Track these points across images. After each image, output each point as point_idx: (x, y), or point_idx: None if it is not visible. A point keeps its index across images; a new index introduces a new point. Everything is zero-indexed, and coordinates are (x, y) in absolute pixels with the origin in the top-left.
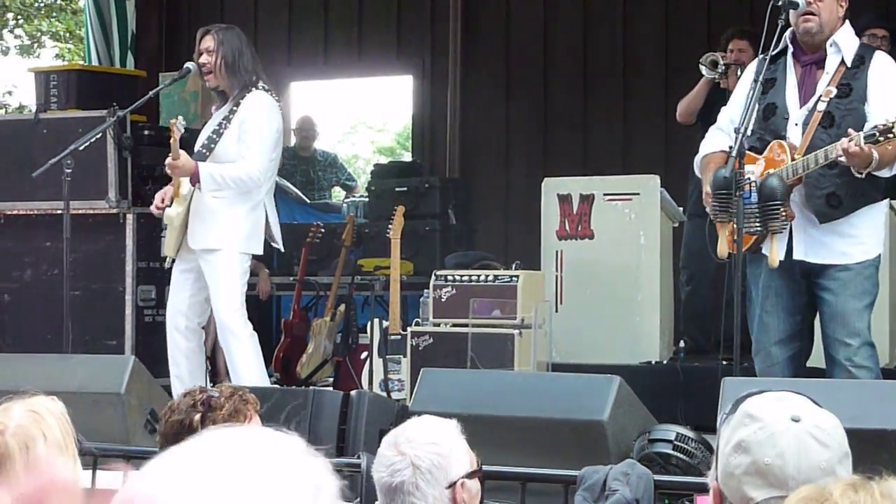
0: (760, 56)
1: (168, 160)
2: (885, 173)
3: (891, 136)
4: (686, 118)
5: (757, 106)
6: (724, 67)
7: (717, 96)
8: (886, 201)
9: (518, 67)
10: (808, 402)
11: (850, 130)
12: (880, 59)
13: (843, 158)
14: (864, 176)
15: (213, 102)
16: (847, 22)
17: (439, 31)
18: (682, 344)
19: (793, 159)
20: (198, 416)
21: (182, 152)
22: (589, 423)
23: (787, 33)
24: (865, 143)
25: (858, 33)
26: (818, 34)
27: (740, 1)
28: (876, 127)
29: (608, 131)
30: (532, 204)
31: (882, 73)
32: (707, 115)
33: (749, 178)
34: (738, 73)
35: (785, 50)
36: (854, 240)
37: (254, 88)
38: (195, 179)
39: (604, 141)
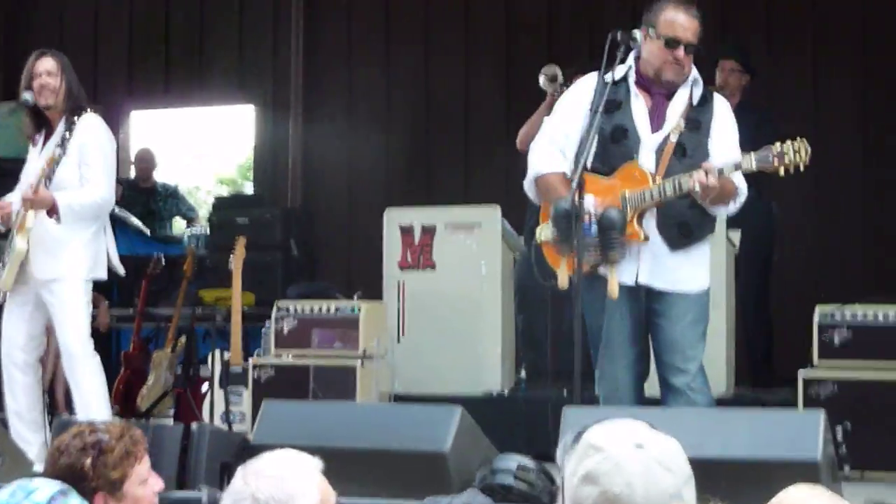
0: (598, 74)
1: (26, 192)
2: (721, 210)
3: (787, 160)
4: (527, 146)
5: (597, 134)
6: (563, 80)
7: None
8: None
9: (361, 97)
10: (649, 428)
11: (709, 163)
12: (720, 100)
13: (697, 189)
14: (706, 200)
15: (30, 131)
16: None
17: (282, 61)
18: (522, 374)
19: (654, 184)
20: (89, 461)
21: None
22: (431, 455)
23: (632, 60)
24: (756, 165)
25: (714, 63)
26: (680, 83)
27: (579, 40)
28: (768, 149)
29: (450, 162)
30: (375, 234)
31: (724, 114)
32: None
33: (589, 210)
34: None
35: (626, 76)
36: (696, 269)
37: (84, 112)
38: (53, 211)
39: (446, 171)
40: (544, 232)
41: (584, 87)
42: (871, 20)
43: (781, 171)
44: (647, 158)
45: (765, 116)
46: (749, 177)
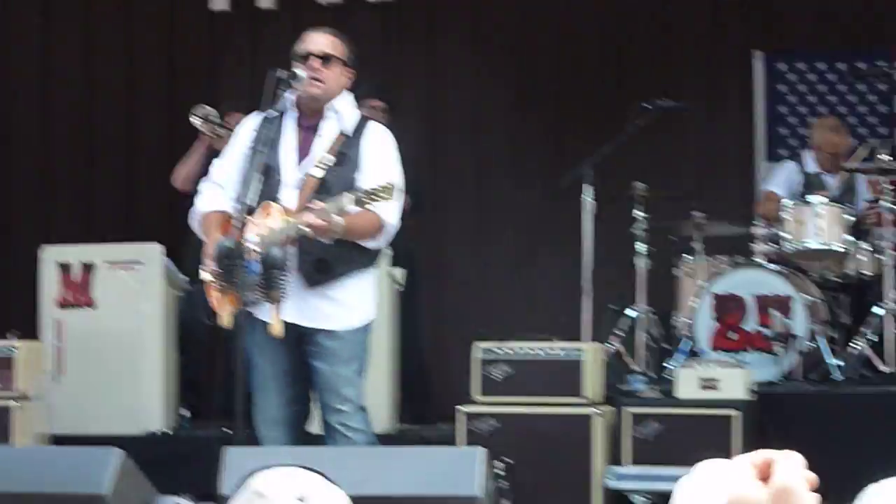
0: (260, 115)
1: None
2: (370, 244)
3: (375, 197)
4: (185, 185)
5: (257, 173)
6: (216, 121)
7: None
8: (377, 269)
9: (16, 129)
10: (319, 480)
11: (315, 202)
12: (376, 129)
13: (307, 229)
14: (327, 240)
15: None
16: (345, 92)
17: None
18: (185, 412)
19: (287, 223)
20: None
21: None
22: (88, 497)
23: (289, 94)
24: (350, 203)
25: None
26: (322, 100)
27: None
28: (362, 190)
29: (112, 198)
30: (31, 271)
31: (375, 143)
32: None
33: (252, 248)
34: None
35: (285, 111)
36: (343, 306)
37: None
38: None
39: (108, 208)
40: (206, 272)
41: (248, 126)
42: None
43: (372, 207)
44: (288, 195)
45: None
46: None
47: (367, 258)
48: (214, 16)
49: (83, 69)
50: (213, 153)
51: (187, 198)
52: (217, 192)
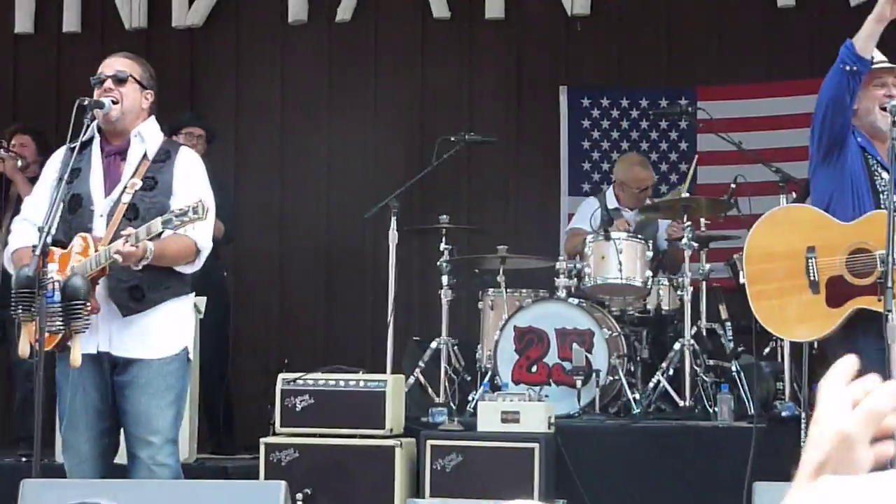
0: (67, 146)
1: None
2: (186, 269)
3: (186, 218)
4: None
5: (62, 203)
6: (2, 151)
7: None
8: (191, 295)
9: None
10: None
11: (129, 229)
12: (186, 154)
13: (117, 257)
14: (140, 268)
15: None
16: (153, 117)
17: None
18: None
19: (96, 251)
20: None
21: None
22: None
23: (95, 122)
24: (163, 226)
25: (175, 131)
26: (118, 121)
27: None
28: (173, 211)
29: None
30: None
31: (187, 167)
32: None
33: (52, 277)
34: (19, 163)
35: (92, 140)
36: (158, 334)
37: None
38: None
39: None
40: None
41: (55, 159)
42: (336, 92)
43: (183, 231)
44: (99, 224)
45: (221, 185)
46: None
47: (181, 284)
48: (18, 38)
49: None
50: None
51: None
52: (27, 227)
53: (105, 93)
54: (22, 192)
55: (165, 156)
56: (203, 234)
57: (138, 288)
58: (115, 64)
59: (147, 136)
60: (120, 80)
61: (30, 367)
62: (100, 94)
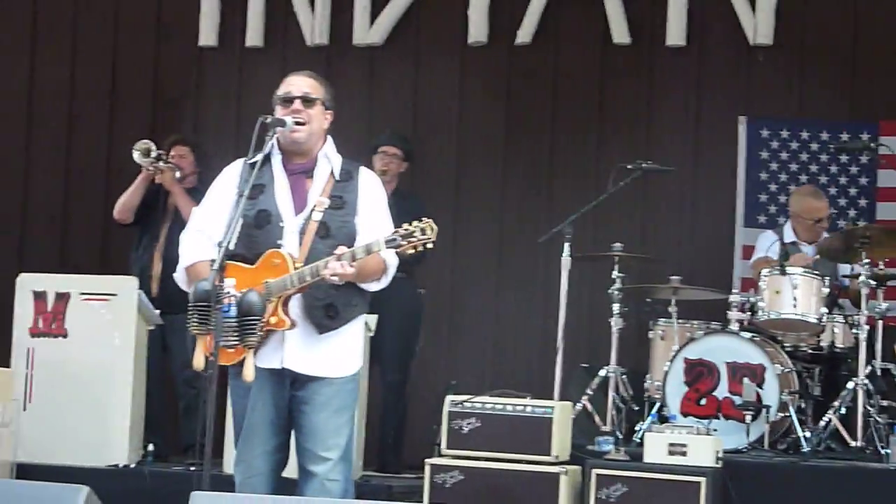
0: (244, 160)
1: None
2: (373, 287)
3: (413, 240)
4: (123, 215)
5: (243, 215)
6: (157, 156)
7: (152, 197)
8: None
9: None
10: None
11: (342, 249)
12: (367, 174)
13: (334, 278)
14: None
15: None
16: (330, 136)
17: None
18: (150, 447)
19: (295, 268)
20: None
21: None
22: None
23: (274, 139)
24: (387, 247)
25: (374, 150)
26: (305, 143)
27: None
28: (396, 232)
29: (87, 229)
30: (5, 299)
31: (371, 188)
32: (145, 215)
33: (229, 293)
34: (177, 174)
35: (269, 156)
36: (343, 353)
37: None
38: None
39: (82, 238)
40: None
41: (232, 172)
42: (513, 116)
43: (410, 251)
44: (290, 241)
45: (418, 204)
46: (402, 261)
47: (364, 302)
48: (202, 51)
49: (66, 100)
50: (155, 186)
51: (125, 227)
52: (200, 240)
53: (293, 113)
54: (179, 203)
55: (348, 176)
56: (392, 253)
57: (333, 306)
58: (302, 85)
59: (332, 157)
60: (307, 101)
61: (191, 375)
62: (284, 113)
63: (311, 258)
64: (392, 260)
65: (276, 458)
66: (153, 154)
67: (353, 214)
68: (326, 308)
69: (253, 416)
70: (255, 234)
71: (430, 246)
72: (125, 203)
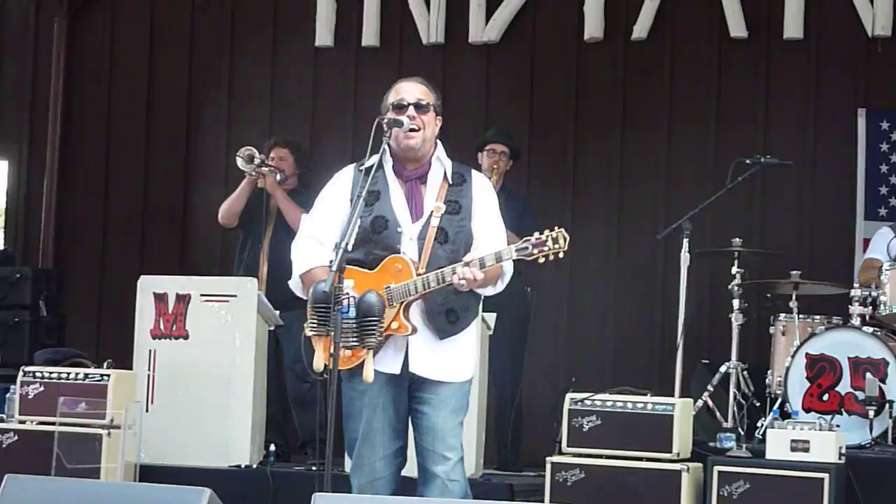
0: (355, 167)
1: None
2: (489, 291)
3: (546, 249)
4: (228, 220)
5: (360, 220)
6: (260, 162)
7: (256, 200)
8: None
9: (117, 159)
10: None
11: (471, 256)
12: (479, 178)
13: (462, 283)
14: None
15: None
16: (439, 141)
17: (38, 118)
18: (272, 447)
19: (418, 274)
20: None
21: None
22: None
23: (386, 146)
24: (517, 254)
25: (480, 148)
26: (420, 149)
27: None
28: (528, 241)
29: (207, 229)
30: (127, 300)
31: (485, 192)
32: (249, 218)
33: (348, 294)
34: (278, 177)
35: (381, 163)
36: (461, 356)
37: None
38: None
39: (202, 240)
40: (309, 328)
41: (344, 179)
42: (630, 112)
43: (541, 259)
44: (409, 247)
45: (526, 205)
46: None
47: (479, 306)
48: (318, 51)
49: (185, 100)
50: (259, 191)
51: (230, 231)
52: (314, 246)
53: (408, 119)
54: (282, 206)
55: (461, 179)
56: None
57: (453, 311)
58: (415, 91)
59: (444, 161)
60: (420, 108)
61: (301, 369)
62: (397, 115)
63: (431, 264)
64: (508, 266)
65: (397, 462)
66: (256, 160)
67: (469, 219)
68: (448, 313)
69: (373, 420)
70: (373, 240)
71: (560, 255)
72: (229, 208)
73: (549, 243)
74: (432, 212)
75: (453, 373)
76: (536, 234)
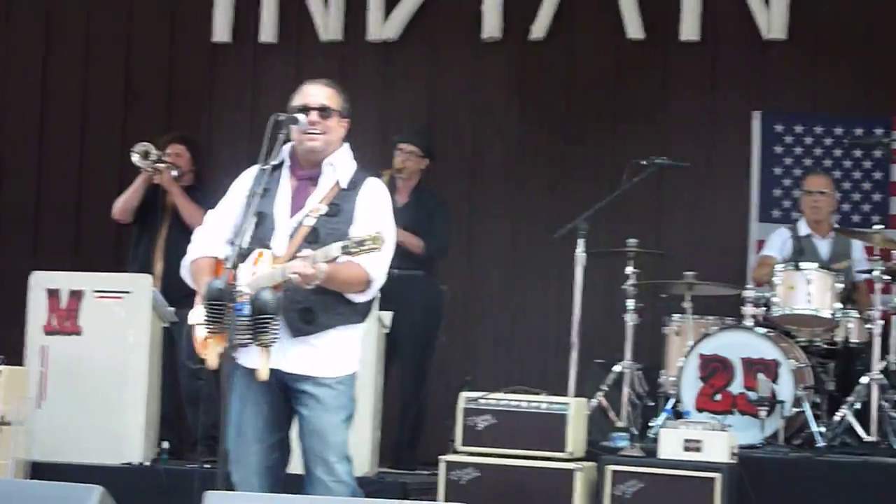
0: (259, 166)
1: None
2: (357, 297)
3: (363, 247)
4: (123, 216)
5: (253, 217)
6: (156, 158)
7: (151, 196)
8: (364, 325)
9: (10, 154)
10: None
11: (307, 250)
12: (372, 184)
13: (294, 276)
14: (311, 287)
15: None
16: (346, 144)
17: None
18: (165, 445)
19: (272, 268)
20: None
21: None
22: None
23: (287, 146)
24: (341, 252)
25: (394, 147)
26: (321, 153)
27: None
28: (351, 238)
29: (101, 224)
30: (19, 296)
31: (371, 198)
32: (144, 215)
33: (243, 291)
34: (174, 173)
35: (282, 163)
36: (335, 354)
37: None
38: None
39: (96, 235)
40: (195, 314)
41: (246, 177)
42: (527, 111)
43: (358, 259)
44: (279, 243)
45: (439, 206)
46: (420, 259)
47: (354, 313)
48: (216, 47)
49: (80, 96)
50: (154, 187)
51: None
52: (209, 239)
53: (310, 125)
54: (177, 202)
55: (353, 185)
56: (376, 265)
57: (310, 311)
58: (319, 95)
59: (339, 165)
60: (324, 112)
61: (195, 367)
62: (308, 125)
63: (293, 260)
64: (376, 273)
65: (274, 457)
66: (152, 156)
67: (348, 223)
68: (303, 312)
69: (244, 414)
70: (253, 236)
71: (380, 252)
72: (125, 204)
73: (369, 243)
74: (309, 211)
75: (325, 369)
76: (357, 235)
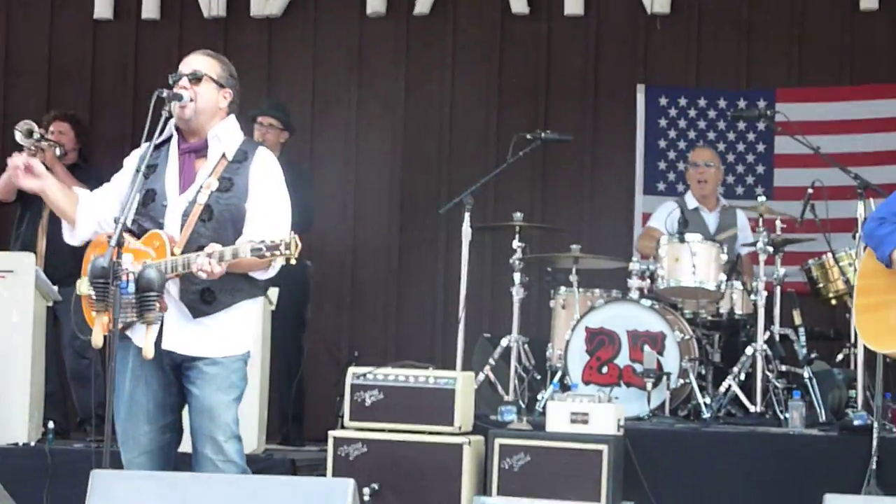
0: (145, 143)
1: None
2: (260, 275)
3: (277, 252)
4: (5, 195)
5: (138, 194)
6: (39, 136)
7: None
8: (261, 298)
9: None
10: None
11: (215, 246)
12: (262, 155)
13: (202, 274)
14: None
15: None
16: (233, 116)
17: None
18: (50, 425)
19: (172, 253)
20: None
21: None
22: None
23: (172, 121)
24: (251, 253)
25: (253, 120)
26: (192, 120)
27: None
28: (263, 242)
29: None
30: None
31: (263, 169)
32: (27, 193)
33: (127, 269)
34: (57, 151)
35: (170, 138)
36: (224, 334)
37: None
38: None
39: None
40: (83, 285)
41: (135, 154)
42: (412, 86)
43: (278, 262)
44: (172, 222)
45: (302, 173)
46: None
47: (253, 288)
48: (97, 23)
49: None
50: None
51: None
52: (85, 202)
53: (179, 89)
54: (62, 181)
55: (243, 157)
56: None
57: (210, 291)
58: (193, 62)
59: (224, 137)
60: (196, 79)
61: (81, 345)
62: (178, 90)
63: (191, 241)
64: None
65: (165, 437)
66: (35, 134)
67: (242, 198)
68: (202, 293)
69: (137, 393)
70: (142, 213)
71: (292, 262)
72: (7, 183)
73: (282, 248)
74: (201, 188)
75: (218, 348)
76: (272, 238)
